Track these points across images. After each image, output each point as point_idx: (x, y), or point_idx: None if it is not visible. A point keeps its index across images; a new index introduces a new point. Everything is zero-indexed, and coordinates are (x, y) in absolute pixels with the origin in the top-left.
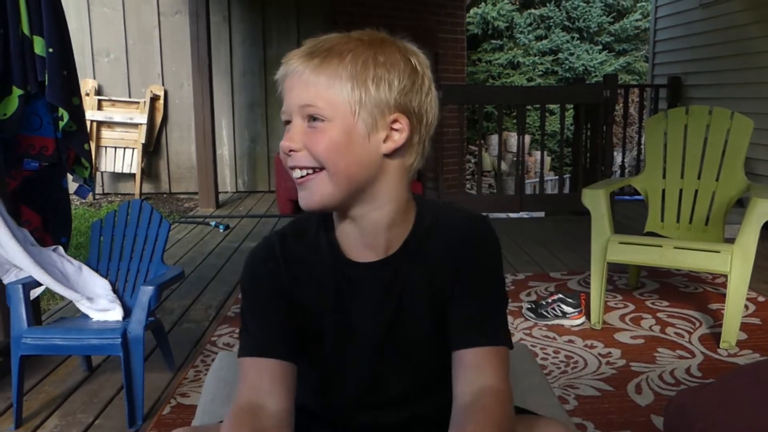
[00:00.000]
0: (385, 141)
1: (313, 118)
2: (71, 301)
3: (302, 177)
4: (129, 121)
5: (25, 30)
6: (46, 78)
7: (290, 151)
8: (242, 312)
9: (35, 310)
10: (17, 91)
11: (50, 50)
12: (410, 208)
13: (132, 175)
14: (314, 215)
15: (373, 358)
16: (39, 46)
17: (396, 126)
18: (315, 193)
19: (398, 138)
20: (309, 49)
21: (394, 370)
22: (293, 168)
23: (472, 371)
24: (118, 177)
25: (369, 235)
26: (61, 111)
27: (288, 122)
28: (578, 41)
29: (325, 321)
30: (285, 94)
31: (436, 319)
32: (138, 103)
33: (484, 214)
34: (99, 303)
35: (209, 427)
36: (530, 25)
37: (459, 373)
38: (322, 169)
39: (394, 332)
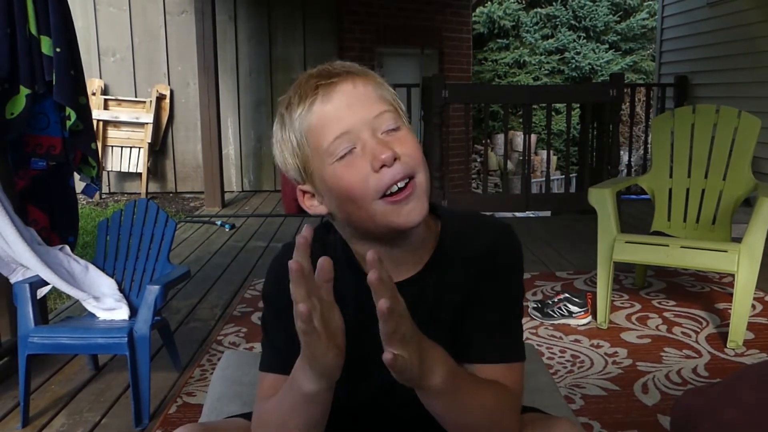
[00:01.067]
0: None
1: (390, 130)
2: (78, 301)
3: (404, 187)
4: (135, 120)
5: (33, 30)
6: (54, 77)
7: (394, 160)
8: (264, 322)
9: (42, 309)
10: (25, 91)
11: (57, 50)
12: (430, 221)
13: (138, 175)
14: (331, 228)
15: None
16: (46, 45)
17: None
18: (423, 200)
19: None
20: (331, 72)
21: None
22: (395, 181)
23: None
24: (125, 176)
25: (404, 254)
26: (69, 110)
27: (350, 150)
28: (585, 40)
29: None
30: (336, 115)
31: (454, 329)
32: (144, 102)
33: (506, 222)
34: (105, 302)
35: (215, 424)
36: (536, 24)
37: None
38: (415, 174)
39: None
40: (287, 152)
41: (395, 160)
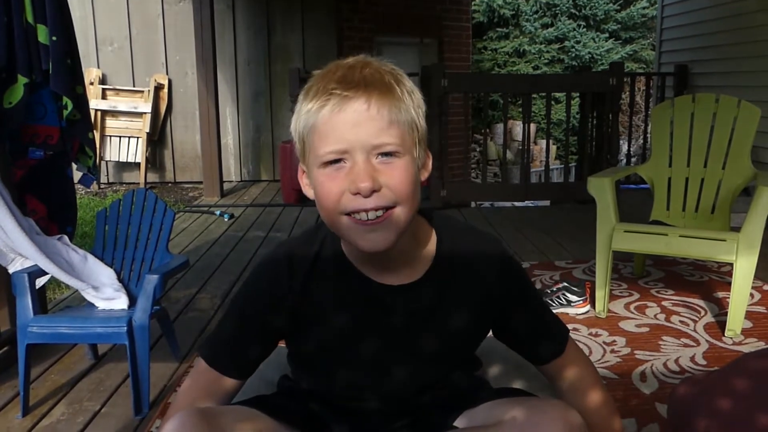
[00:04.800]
0: (420, 169)
1: (386, 154)
2: (77, 291)
3: (378, 217)
4: (133, 110)
5: (29, 18)
6: (50, 66)
7: (372, 192)
8: (229, 313)
9: (41, 299)
10: (22, 80)
11: (54, 39)
12: (422, 229)
13: (137, 165)
14: (325, 231)
15: (383, 373)
16: (43, 34)
17: (428, 153)
18: (391, 232)
19: (429, 165)
20: (351, 81)
21: (402, 378)
22: (365, 210)
23: (564, 376)
24: (123, 166)
25: (393, 261)
26: (66, 100)
27: (336, 161)
28: (584, 29)
29: (336, 335)
30: (336, 124)
31: (455, 336)
32: (142, 92)
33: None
34: (104, 292)
35: (213, 409)
36: (536, 12)
37: (557, 383)
38: (395, 205)
39: (409, 352)
40: (295, 130)
41: (373, 192)
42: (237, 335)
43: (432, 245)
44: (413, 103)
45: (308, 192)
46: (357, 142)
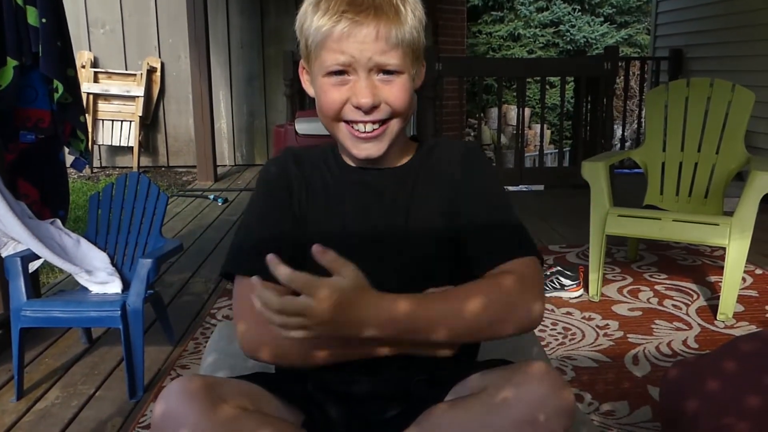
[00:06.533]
0: (414, 80)
1: (386, 71)
2: (70, 275)
3: (375, 129)
4: (126, 93)
5: (19, 0)
6: (40, 49)
7: (372, 108)
8: (248, 218)
9: (34, 283)
10: (12, 62)
11: (43, 20)
12: (410, 145)
13: (130, 149)
14: (327, 144)
15: (375, 264)
16: (32, 16)
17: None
18: (385, 142)
19: (422, 73)
20: (362, 4)
21: (394, 278)
22: (364, 122)
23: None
24: (116, 150)
25: (381, 162)
26: (56, 83)
27: (341, 72)
28: (579, 13)
29: (328, 226)
30: (345, 45)
31: (445, 237)
32: (135, 75)
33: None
34: (98, 276)
35: (215, 378)
36: None
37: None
38: (392, 118)
39: (403, 241)
40: (301, 32)
41: (374, 108)
42: (264, 234)
43: (413, 147)
44: (416, 21)
45: (308, 89)
46: (362, 59)
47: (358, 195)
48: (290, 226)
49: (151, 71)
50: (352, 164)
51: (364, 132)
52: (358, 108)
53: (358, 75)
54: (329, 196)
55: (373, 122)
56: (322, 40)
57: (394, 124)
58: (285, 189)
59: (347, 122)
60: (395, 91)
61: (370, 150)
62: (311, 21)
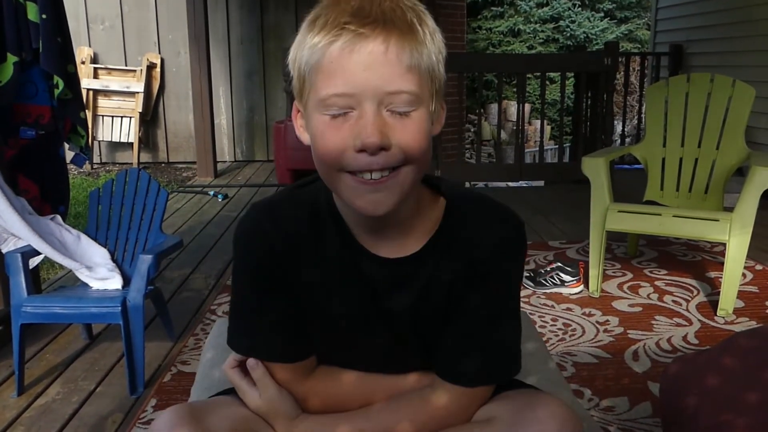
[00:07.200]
0: (433, 123)
1: (399, 111)
2: (71, 271)
3: (383, 177)
4: (126, 89)
5: None
6: (40, 45)
7: (380, 150)
8: (239, 298)
9: (35, 278)
10: (12, 58)
11: (43, 16)
12: (425, 197)
13: (130, 145)
14: (321, 188)
15: (361, 348)
16: (32, 12)
17: (443, 105)
18: (395, 194)
19: (443, 119)
20: (368, 15)
21: (398, 362)
22: (369, 171)
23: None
24: (116, 146)
25: (391, 228)
26: (56, 79)
27: (340, 115)
28: (580, 8)
29: (324, 308)
30: (346, 65)
31: (444, 314)
32: (134, 71)
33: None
34: (98, 272)
35: (204, 404)
36: None
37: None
38: (405, 164)
39: (407, 329)
40: (294, 62)
41: (382, 150)
42: (260, 318)
43: (436, 213)
44: (435, 47)
45: (303, 136)
46: (368, 87)
47: (358, 293)
48: (284, 306)
49: (150, 67)
50: (353, 230)
51: (371, 179)
52: (362, 150)
53: (363, 108)
54: (323, 282)
55: (381, 169)
56: (318, 61)
57: (407, 173)
58: (269, 272)
59: (351, 172)
60: (410, 131)
61: (377, 202)
62: (305, 39)
